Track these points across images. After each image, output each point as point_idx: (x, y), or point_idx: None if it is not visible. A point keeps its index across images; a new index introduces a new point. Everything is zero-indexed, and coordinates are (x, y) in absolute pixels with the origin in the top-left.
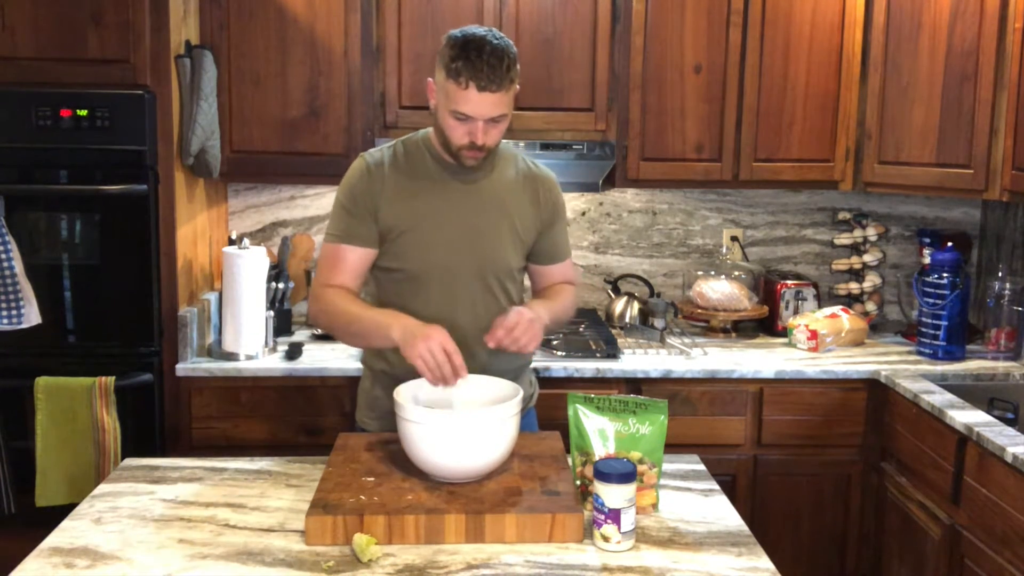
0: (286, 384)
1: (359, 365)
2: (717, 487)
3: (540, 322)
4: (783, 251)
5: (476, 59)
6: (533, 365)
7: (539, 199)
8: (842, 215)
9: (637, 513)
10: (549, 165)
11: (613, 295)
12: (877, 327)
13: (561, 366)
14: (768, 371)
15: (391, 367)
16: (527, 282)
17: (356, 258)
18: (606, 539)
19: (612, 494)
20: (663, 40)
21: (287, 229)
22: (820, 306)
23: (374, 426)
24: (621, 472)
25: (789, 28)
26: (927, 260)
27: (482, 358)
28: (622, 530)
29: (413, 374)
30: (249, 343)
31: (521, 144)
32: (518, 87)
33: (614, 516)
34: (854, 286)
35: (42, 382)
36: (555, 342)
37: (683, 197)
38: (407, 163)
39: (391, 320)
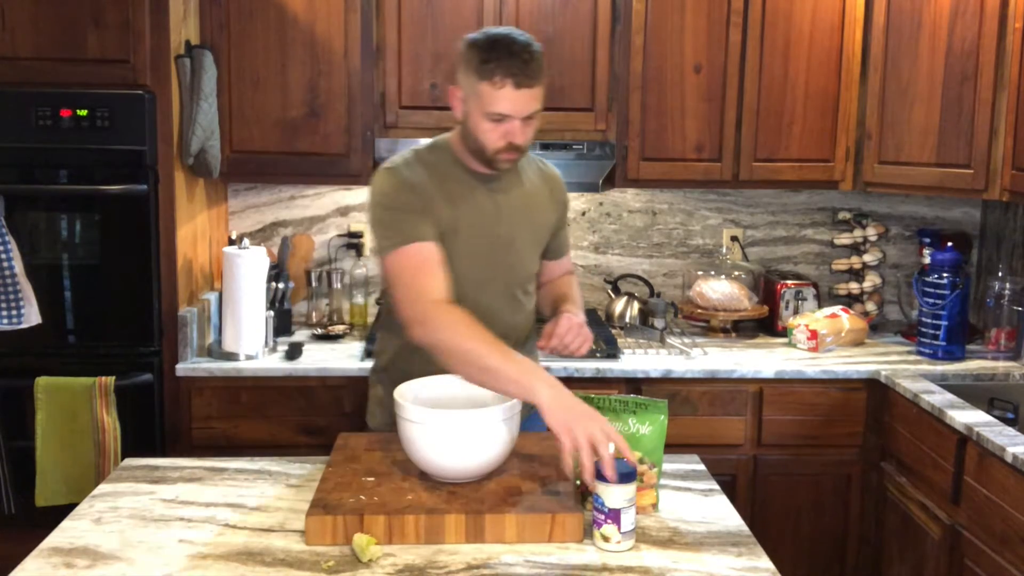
0: (286, 384)
1: (360, 365)
2: (717, 487)
3: (585, 326)
4: (783, 251)
5: (508, 57)
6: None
7: (554, 199)
8: (842, 215)
9: (637, 513)
10: None
11: (613, 295)
12: (877, 327)
13: (561, 366)
14: (768, 371)
15: (402, 373)
16: None
17: (438, 256)
18: (606, 539)
19: (612, 494)
20: (663, 40)
21: (287, 229)
22: (820, 306)
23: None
24: (621, 472)
25: (789, 28)
26: (927, 260)
27: None
28: (622, 530)
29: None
30: (249, 343)
31: None
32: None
33: (614, 516)
34: (854, 286)
35: (42, 382)
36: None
37: (683, 197)
38: (438, 170)
39: (534, 378)
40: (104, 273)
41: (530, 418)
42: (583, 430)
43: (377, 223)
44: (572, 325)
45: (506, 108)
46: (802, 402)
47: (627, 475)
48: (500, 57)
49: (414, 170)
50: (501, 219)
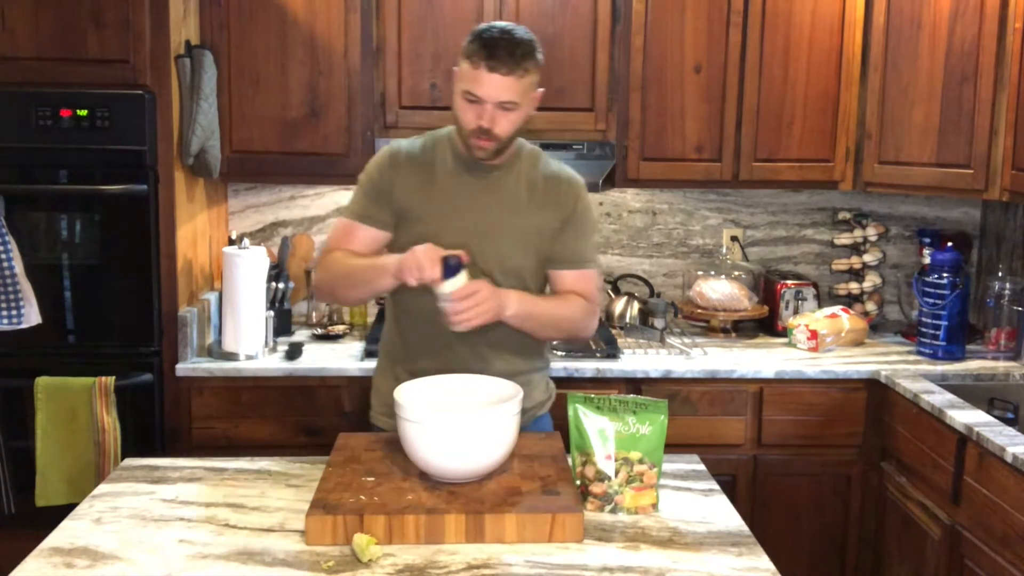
0: (286, 384)
1: (359, 365)
2: (717, 487)
3: (497, 302)
4: (783, 251)
5: (490, 42)
6: None
7: (559, 200)
8: (842, 215)
9: (638, 512)
10: None
11: (613, 295)
12: (877, 327)
13: (561, 366)
14: (768, 371)
15: (407, 361)
16: None
17: (367, 236)
18: None
19: (442, 288)
20: (663, 40)
21: (287, 229)
22: (820, 306)
23: (388, 423)
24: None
25: (789, 28)
26: (927, 260)
27: (493, 361)
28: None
29: (428, 369)
30: (249, 343)
31: None
32: (540, 89)
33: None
34: (854, 286)
35: (42, 382)
36: (555, 342)
37: (683, 197)
38: (429, 155)
39: (384, 262)
40: (104, 273)
41: (543, 419)
42: (414, 259)
43: (355, 188)
44: (477, 293)
45: (477, 89)
46: (802, 402)
47: (453, 271)
48: (484, 41)
49: (405, 152)
50: (482, 205)
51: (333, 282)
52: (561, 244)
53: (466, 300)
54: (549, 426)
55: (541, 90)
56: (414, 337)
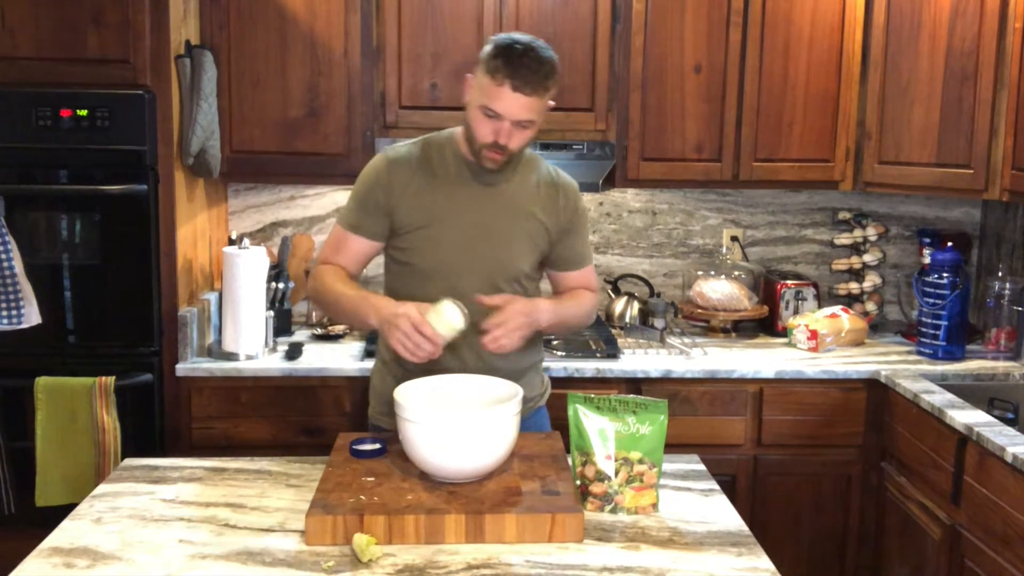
0: (286, 384)
1: (359, 365)
2: (717, 487)
3: (530, 326)
4: (783, 251)
5: (516, 60)
6: None
7: (558, 206)
8: (842, 215)
9: (638, 512)
10: None
11: (613, 295)
12: (877, 327)
13: (561, 366)
14: (768, 371)
15: (406, 361)
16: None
17: (359, 248)
18: None
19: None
20: (663, 40)
21: (287, 229)
22: (820, 306)
23: (387, 422)
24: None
25: (789, 28)
26: (927, 260)
27: (488, 358)
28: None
29: (429, 368)
30: (249, 343)
31: None
32: (552, 102)
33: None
34: (854, 286)
35: (42, 382)
36: (555, 342)
37: (683, 197)
38: (430, 161)
39: (367, 308)
40: (104, 273)
41: (538, 413)
42: (396, 330)
43: (350, 193)
44: (512, 316)
45: (498, 107)
46: (802, 402)
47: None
48: (509, 58)
49: (403, 161)
50: (486, 211)
51: (323, 302)
52: (566, 248)
53: (502, 325)
54: (546, 417)
55: (552, 101)
56: None
